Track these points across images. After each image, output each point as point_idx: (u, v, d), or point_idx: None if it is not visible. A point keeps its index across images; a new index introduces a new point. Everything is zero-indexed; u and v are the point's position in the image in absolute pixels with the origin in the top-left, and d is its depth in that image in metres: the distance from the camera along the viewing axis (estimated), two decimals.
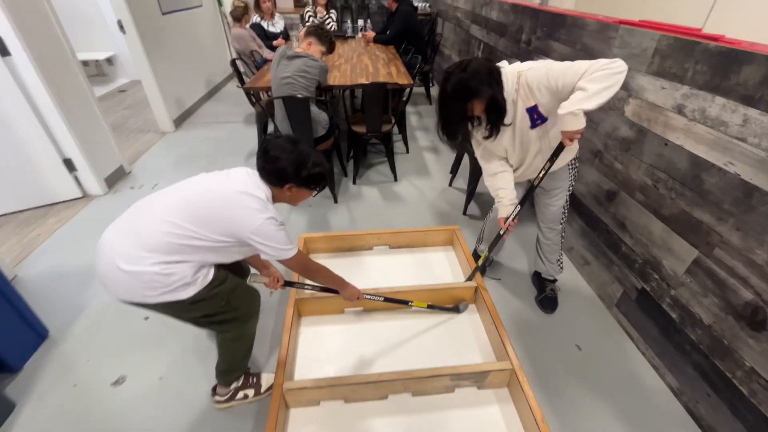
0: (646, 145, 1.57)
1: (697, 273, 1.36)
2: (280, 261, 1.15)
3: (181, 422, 1.42)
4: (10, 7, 2.15)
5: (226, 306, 1.19)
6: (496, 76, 1.30)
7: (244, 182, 1.10)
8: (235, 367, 1.40)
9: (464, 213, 2.57)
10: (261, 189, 1.11)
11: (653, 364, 1.59)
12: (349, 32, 4.90)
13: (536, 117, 1.36)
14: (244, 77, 3.47)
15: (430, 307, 1.73)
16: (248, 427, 1.40)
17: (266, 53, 3.84)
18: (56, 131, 2.53)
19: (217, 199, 1.07)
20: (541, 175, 1.44)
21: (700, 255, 1.34)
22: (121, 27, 3.36)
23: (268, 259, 1.19)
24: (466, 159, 3.10)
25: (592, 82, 1.17)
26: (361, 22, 5.21)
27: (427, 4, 5.85)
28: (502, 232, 1.55)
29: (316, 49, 2.42)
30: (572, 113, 1.19)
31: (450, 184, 2.97)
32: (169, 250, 1.04)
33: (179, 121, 4.17)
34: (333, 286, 1.41)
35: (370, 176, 3.16)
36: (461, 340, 1.69)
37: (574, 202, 2.09)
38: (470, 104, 1.30)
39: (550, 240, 1.79)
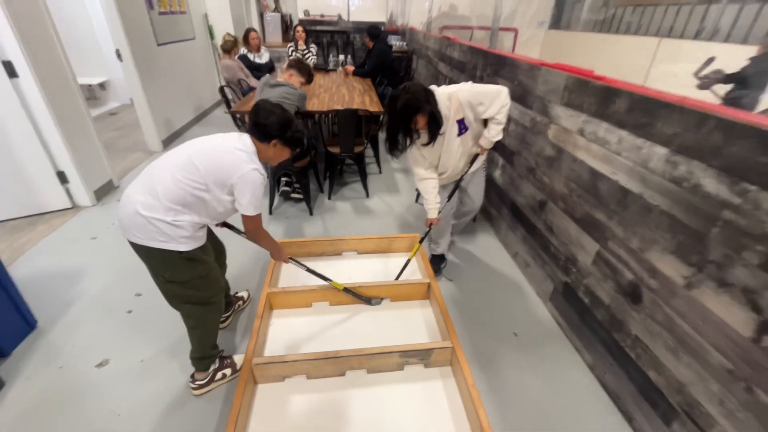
0: (564, 162, 1.91)
1: (599, 263, 1.66)
2: (243, 215, 1.39)
3: (161, 398, 1.59)
4: (21, 34, 2.43)
5: (199, 280, 1.42)
6: (431, 96, 1.68)
7: (237, 141, 1.37)
8: (206, 354, 1.60)
9: (423, 238, 2.86)
10: (249, 146, 1.38)
11: (575, 346, 1.86)
12: (331, 66, 5.34)
13: (462, 127, 1.78)
14: (231, 103, 3.78)
15: (345, 290, 1.97)
16: (217, 407, 1.58)
17: (252, 82, 4.19)
18: (53, 146, 2.75)
19: (217, 152, 1.33)
20: (464, 176, 1.91)
21: (600, 248, 1.65)
22: (119, 55, 3.66)
23: (237, 208, 1.40)
24: None
25: (503, 117, 1.77)
26: (342, 57, 5.68)
27: (404, 43, 6.41)
28: (427, 230, 2.01)
29: (296, 79, 2.76)
30: (491, 141, 1.83)
31: (416, 201, 3.27)
32: (178, 199, 1.28)
33: (167, 142, 4.42)
34: (270, 250, 1.64)
35: (344, 193, 3.45)
36: (414, 328, 1.92)
37: (518, 215, 2.41)
38: (414, 119, 1.65)
39: (461, 224, 2.28)
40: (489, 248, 2.57)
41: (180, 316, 1.51)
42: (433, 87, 1.75)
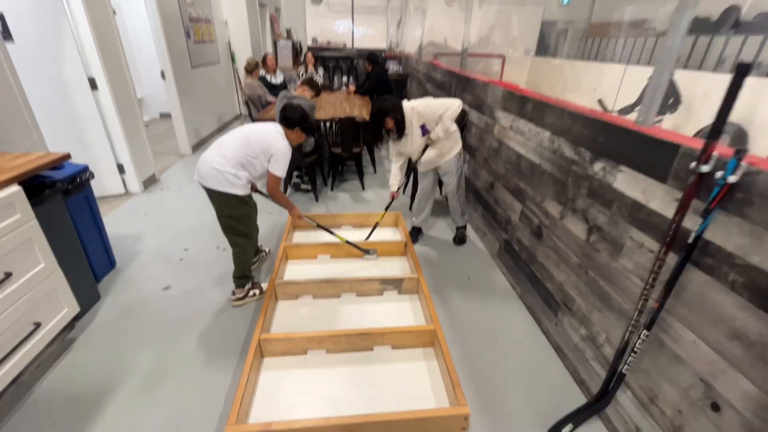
0: (503, 151, 2.63)
1: (522, 218, 2.35)
2: (271, 174, 2.09)
3: (210, 308, 2.27)
4: (103, 56, 3.24)
5: (246, 218, 2.13)
6: (398, 107, 2.45)
7: (274, 127, 2.12)
8: (243, 273, 2.29)
9: (409, 209, 3.56)
10: (281, 131, 2.12)
11: (509, 282, 2.52)
12: (336, 86, 6.20)
13: (424, 130, 2.51)
14: (253, 113, 4.57)
15: (347, 242, 2.69)
16: (249, 315, 2.24)
17: (269, 98, 5.00)
18: (116, 143, 3.53)
19: (263, 133, 2.07)
20: (422, 159, 2.65)
21: (522, 207, 2.34)
22: (163, 75, 4.50)
23: (270, 168, 2.09)
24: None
25: (448, 121, 2.46)
26: (345, 78, 6.56)
27: (400, 68, 7.31)
28: (390, 201, 2.78)
29: (308, 93, 3.54)
30: (436, 134, 2.50)
31: (403, 192, 3.99)
32: (239, 161, 2.00)
33: (195, 147, 5.22)
34: (286, 206, 2.35)
35: (344, 186, 4.18)
36: (392, 272, 2.60)
37: (478, 197, 3.12)
38: (384, 121, 2.41)
39: (452, 205, 2.94)
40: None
41: (228, 249, 2.21)
42: (403, 101, 2.51)
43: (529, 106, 2.23)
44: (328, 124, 4.67)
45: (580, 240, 1.77)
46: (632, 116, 1.49)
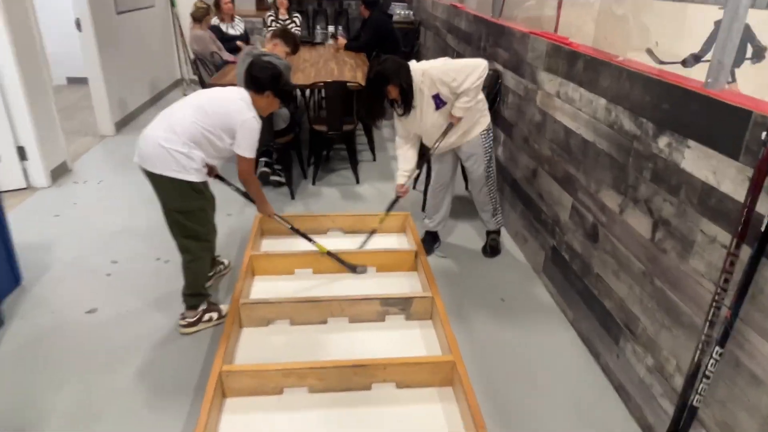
0: (547, 125, 2.88)
1: (573, 215, 2.58)
2: (239, 157, 2.32)
3: (149, 337, 2.50)
4: None
5: (200, 213, 2.37)
6: (404, 70, 2.68)
7: (237, 93, 2.35)
8: (197, 290, 2.52)
9: (422, 209, 3.81)
10: (247, 97, 2.35)
11: (557, 303, 2.75)
12: (318, 38, 6.50)
13: (439, 102, 2.76)
14: (204, 76, 4.87)
15: (329, 254, 2.91)
16: (203, 346, 2.47)
17: (225, 55, 5.31)
18: (17, 118, 3.80)
19: (223, 101, 2.30)
20: (437, 145, 2.87)
21: (573, 201, 2.58)
22: (78, 25, 4.82)
23: (236, 150, 2.34)
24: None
25: (474, 91, 2.68)
26: (332, 28, 6.86)
27: (410, 13, 7.64)
28: (395, 196, 3.00)
29: (281, 49, 3.82)
30: (459, 108, 2.75)
31: (414, 187, 4.25)
32: (192, 137, 2.23)
33: (121, 126, 5.52)
34: (256, 199, 2.60)
35: (330, 179, 4.45)
36: (398, 292, 2.83)
37: (517, 190, 3.36)
38: (386, 89, 2.66)
39: (480, 201, 3.17)
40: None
41: (173, 261, 2.45)
42: (411, 62, 2.76)
43: (580, 65, 2.49)
44: (308, 92, 4.97)
45: (644, 239, 2.00)
46: (700, 72, 1.74)
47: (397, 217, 3.47)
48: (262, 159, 4.23)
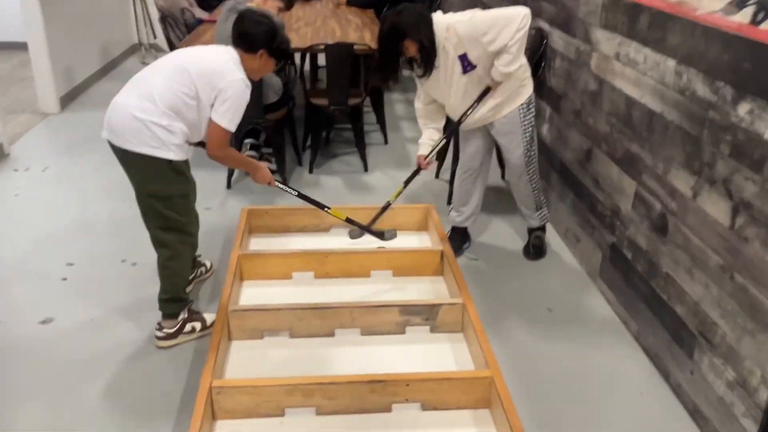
0: (605, 95, 3.06)
1: (637, 204, 2.75)
2: (213, 124, 2.46)
3: (120, 351, 2.68)
4: None
5: (181, 200, 2.55)
6: (425, 22, 2.86)
7: (226, 52, 2.53)
8: (176, 295, 2.70)
9: (447, 202, 3.98)
10: (237, 58, 2.52)
11: (617, 313, 2.93)
12: None
13: (466, 64, 2.95)
14: (173, 39, 5.08)
15: (348, 220, 3.10)
16: (185, 361, 2.65)
17: (197, 12, 5.54)
18: None
19: (209, 60, 2.48)
20: (468, 112, 3.05)
21: (637, 185, 2.75)
22: None
23: (212, 115, 2.46)
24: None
25: (516, 47, 2.83)
26: None
27: None
28: (415, 171, 3.21)
29: (271, 4, 4.03)
30: (501, 73, 2.90)
31: (437, 176, 4.43)
32: (172, 105, 2.40)
33: (67, 101, 5.74)
34: (245, 169, 2.78)
35: (332, 165, 4.65)
36: (421, 298, 3.01)
37: (567, 176, 3.53)
38: (403, 44, 2.84)
39: (520, 192, 3.34)
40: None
41: (143, 263, 2.63)
42: (436, 14, 2.95)
43: (644, 20, 2.66)
44: (304, 57, 5.14)
45: (722, 227, 2.16)
46: None
47: (417, 211, 3.65)
48: (248, 140, 4.44)
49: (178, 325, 2.72)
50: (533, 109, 3.18)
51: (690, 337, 2.37)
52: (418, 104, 3.21)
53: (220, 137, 2.54)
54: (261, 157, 4.38)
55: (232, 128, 2.53)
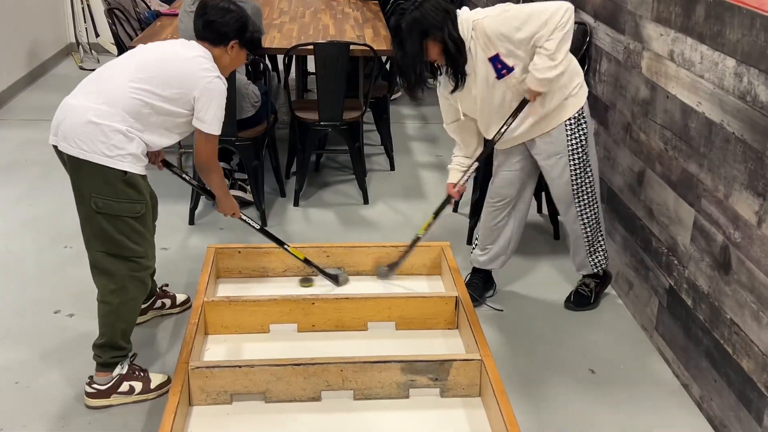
0: (658, 103, 3.33)
1: (696, 237, 3.00)
2: (201, 135, 2.80)
3: (43, 418, 2.90)
4: None
5: (134, 220, 2.80)
6: (451, 17, 3.09)
7: (195, 47, 2.83)
8: (112, 340, 2.91)
9: (468, 241, 4.24)
10: (207, 52, 2.83)
11: (677, 374, 3.14)
12: None
13: (500, 66, 3.17)
14: (123, 37, 5.43)
15: (306, 261, 3.46)
16: (125, 427, 2.87)
17: (155, 4, 5.91)
18: None
19: (176, 59, 2.78)
20: (503, 130, 3.27)
21: (696, 213, 3.00)
22: None
23: (197, 124, 2.81)
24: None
25: (553, 44, 3.01)
26: None
27: None
28: (444, 201, 3.46)
29: None
30: (538, 80, 3.08)
31: (455, 209, 4.70)
32: (133, 108, 2.68)
33: None
34: (218, 193, 3.10)
35: (323, 196, 4.94)
36: (428, 353, 3.24)
37: (614, 204, 3.79)
38: (424, 45, 3.08)
39: (569, 229, 3.58)
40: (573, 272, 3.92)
41: (81, 306, 2.89)
42: (462, 11, 3.20)
43: (700, 10, 2.95)
44: (289, 60, 5.44)
45: None
46: None
47: (428, 250, 3.91)
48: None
49: (112, 382, 2.94)
50: (585, 125, 3.37)
51: (758, 397, 2.59)
52: (448, 128, 3.48)
53: (210, 146, 2.90)
54: (233, 185, 4.67)
55: (219, 132, 2.88)
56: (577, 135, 3.36)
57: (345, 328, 3.44)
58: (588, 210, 3.48)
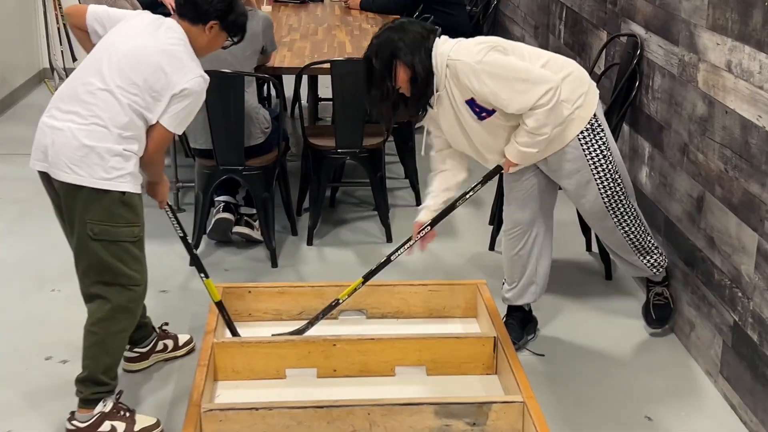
0: (716, 120, 3.62)
1: (760, 263, 3.25)
2: (160, 127, 3.05)
3: None
4: None
5: (131, 244, 3.07)
6: (426, 45, 3.30)
7: (168, 31, 3.08)
8: (94, 375, 3.13)
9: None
10: (183, 35, 3.10)
11: (744, 421, 3.36)
12: None
13: (479, 110, 3.38)
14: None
15: (218, 305, 3.68)
16: None
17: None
18: None
19: (154, 52, 3.02)
20: (467, 195, 3.68)
21: (759, 238, 3.27)
22: None
23: (161, 119, 3.04)
24: None
25: (534, 123, 3.25)
26: None
27: None
28: (411, 243, 3.75)
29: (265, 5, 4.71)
30: (519, 152, 3.41)
31: (491, 247, 4.97)
32: (126, 125, 2.93)
33: None
34: (159, 178, 3.40)
35: (339, 235, 5.20)
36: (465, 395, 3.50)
37: (671, 234, 4.07)
38: (394, 68, 3.30)
39: (610, 243, 3.88)
40: (629, 313, 4.18)
41: (69, 361, 3.13)
42: (442, 39, 3.42)
43: (758, 16, 3.24)
44: (298, 81, 5.71)
45: None
46: None
47: (463, 289, 4.18)
48: (220, 199, 4.95)
49: (92, 419, 3.12)
50: (601, 131, 3.59)
51: None
52: (433, 155, 3.81)
53: (165, 141, 3.23)
54: (239, 221, 4.90)
55: (180, 132, 3.23)
56: (595, 145, 3.59)
57: (370, 373, 3.62)
58: (627, 217, 3.72)
